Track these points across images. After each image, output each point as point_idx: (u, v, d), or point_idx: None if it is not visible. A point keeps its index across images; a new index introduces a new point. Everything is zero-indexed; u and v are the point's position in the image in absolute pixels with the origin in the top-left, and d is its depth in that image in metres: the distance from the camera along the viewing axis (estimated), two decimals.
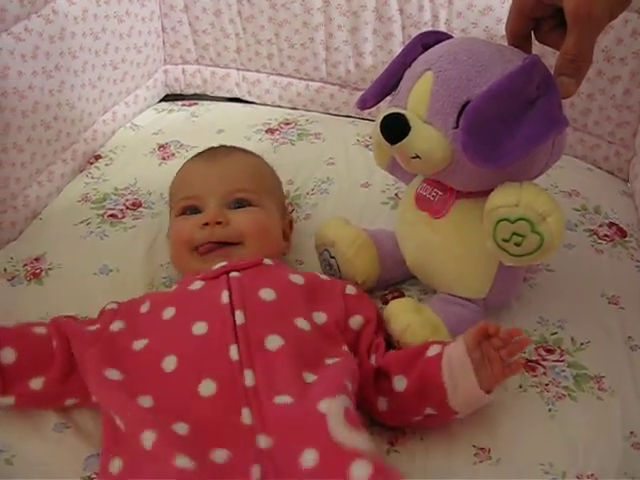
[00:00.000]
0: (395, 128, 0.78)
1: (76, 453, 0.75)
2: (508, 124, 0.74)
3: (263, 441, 0.66)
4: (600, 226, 1.08)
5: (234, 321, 0.75)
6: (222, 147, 1.01)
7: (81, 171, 1.21)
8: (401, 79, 0.83)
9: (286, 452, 0.65)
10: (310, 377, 0.72)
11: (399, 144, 0.78)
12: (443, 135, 0.77)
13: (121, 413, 0.69)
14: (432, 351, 0.75)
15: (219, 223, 0.88)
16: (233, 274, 0.81)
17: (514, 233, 0.76)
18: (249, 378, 0.70)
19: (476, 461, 0.75)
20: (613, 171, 1.23)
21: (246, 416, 0.68)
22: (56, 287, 0.96)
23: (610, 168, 1.24)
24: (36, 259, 1.00)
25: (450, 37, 0.84)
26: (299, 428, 0.66)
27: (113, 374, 0.73)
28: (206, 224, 0.88)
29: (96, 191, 1.15)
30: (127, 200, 1.12)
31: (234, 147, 1.01)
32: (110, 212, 1.09)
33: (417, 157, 0.78)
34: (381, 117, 0.79)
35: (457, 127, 0.76)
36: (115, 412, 0.70)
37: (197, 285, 0.82)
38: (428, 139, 0.77)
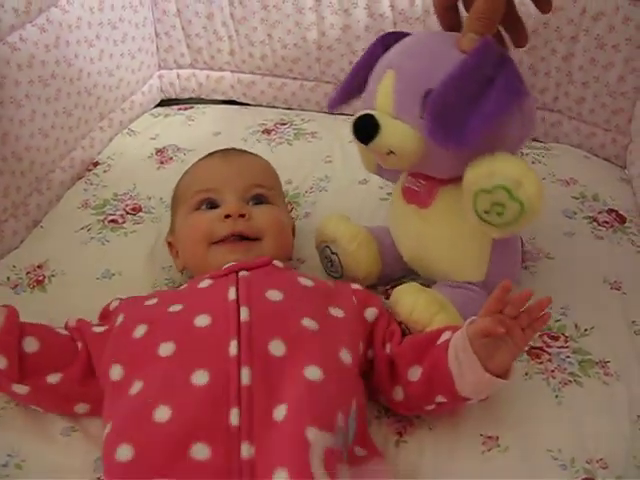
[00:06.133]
0: (365, 129, 0.79)
1: (85, 455, 0.75)
2: (471, 105, 0.75)
3: (246, 450, 0.64)
4: (599, 213, 1.09)
5: (238, 317, 0.73)
6: (234, 149, 1.00)
7: (80, 178, 1.21)
8: (365, 80, 0.85)
9: (265, 466, 0.63)
10: (316, 373, 0.69)
11: (371, 143, 0.79)
12: (411, 127, 0.78)
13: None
14: (443, 338, 0.75)
15: (242, 216, 0.86)
16: (242, 273, 0.80)
17: (494, 203, 0.76)
18: (245, 376, 0.68)
19: (484, 450, 0.75)
20: (610, 158, 1.24)
21: (234, 417, 0.66)
22: (59, 293, 0.96)
23: (607, 155, 1.24)
24: (39, 266, 1.00)
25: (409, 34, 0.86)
26: (282, 445, 0.64)
27: (116, 372, 0.73)
28: (228, 216, 0.85)
29: (96, 197, 1.15)
30: (127, 205, 1.13)
31: (244, 150, 1.00)
32: (110, 217, 1.10)
33: (392, 153, 0.80)
34: (352, 121, 0.81)
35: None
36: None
37: (206, 283, 0.80)
38: (398, 133, 0.79)
